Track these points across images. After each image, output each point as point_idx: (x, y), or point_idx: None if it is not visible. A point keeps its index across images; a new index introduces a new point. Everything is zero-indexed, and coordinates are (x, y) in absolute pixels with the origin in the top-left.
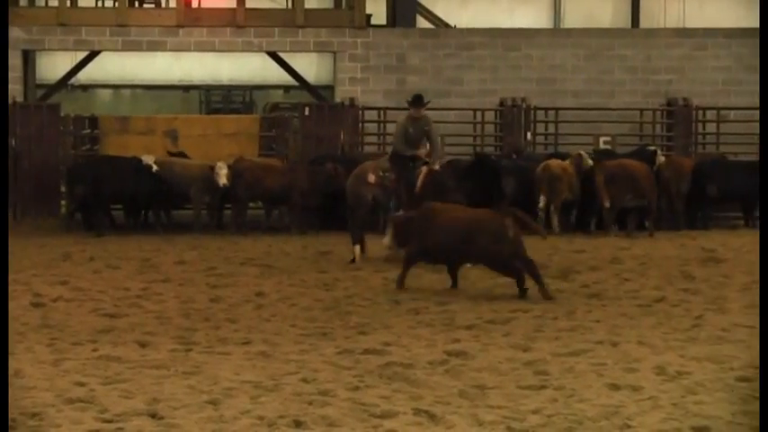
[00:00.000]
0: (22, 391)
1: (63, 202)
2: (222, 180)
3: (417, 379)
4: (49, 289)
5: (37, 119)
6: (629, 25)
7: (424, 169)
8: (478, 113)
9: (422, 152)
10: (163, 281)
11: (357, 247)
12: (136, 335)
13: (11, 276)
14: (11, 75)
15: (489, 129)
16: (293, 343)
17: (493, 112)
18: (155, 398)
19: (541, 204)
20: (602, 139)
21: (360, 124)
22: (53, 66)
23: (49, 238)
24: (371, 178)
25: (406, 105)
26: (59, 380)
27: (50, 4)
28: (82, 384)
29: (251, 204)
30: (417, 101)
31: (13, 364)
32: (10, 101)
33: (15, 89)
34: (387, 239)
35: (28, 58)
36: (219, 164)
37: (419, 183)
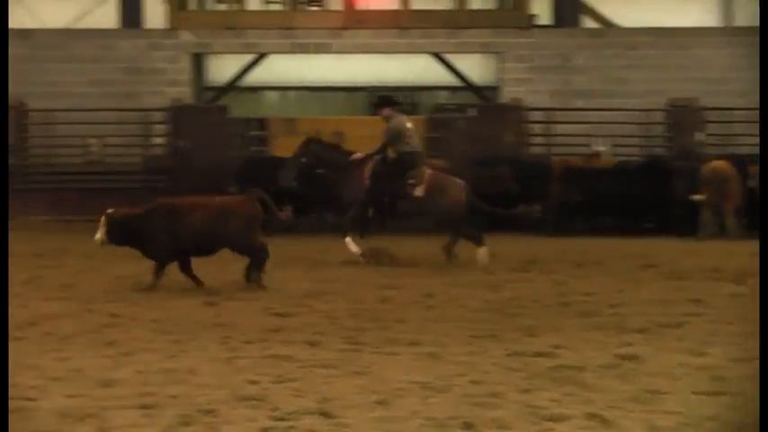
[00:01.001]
0: (197, 389)
1: None
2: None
3: (588, 382)
4: (222, 288)
5: (206, 120)
6: None
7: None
8: (646, 114)
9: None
10: (332, 281)
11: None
12: (305, 334)
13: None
14: (182, 77)
15: (657, 129)
16: (462, 344)
17: (661, 113)
18: (325, 397)
19: (702, 204)
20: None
21: (525, 125)
22: (222, 68)
23: None
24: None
25: (569, 106)
26: (232, 377)
27: (219, 8)
28: (254, 382)
29: None
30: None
31: (187, 362)
32: (180, 102)
33: (185, 91)
34: (98, 235)
35: (198, 61)
36: None
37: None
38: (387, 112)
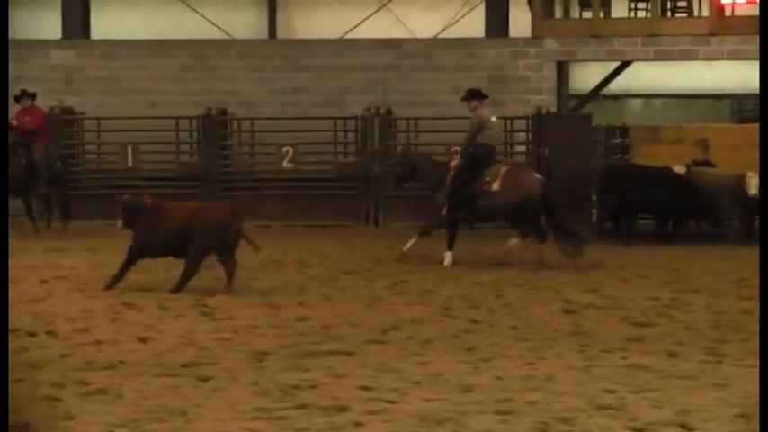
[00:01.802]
0: (554, 396)
1: (593, 211)
2: (752, 190)
3: None
4: (580, 296)
5: (570, 129)
6: None
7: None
8: None
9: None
10: (692, 291)
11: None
12: (665, 344)
13: (543, 283)
14: (545, 85)
15: None
16: None
17: None
18: (684, 409)
19: None
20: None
21: None
22: (585, 76)
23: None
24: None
25: None
26: (589, 386)
27: (584, 15)
28: (612, 392)
29: None
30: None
31: (544, 369)
32: (544, 111)
33: (549, 100)
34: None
35: (562, 69)
36: (750, 173)
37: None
38: (474, 104)
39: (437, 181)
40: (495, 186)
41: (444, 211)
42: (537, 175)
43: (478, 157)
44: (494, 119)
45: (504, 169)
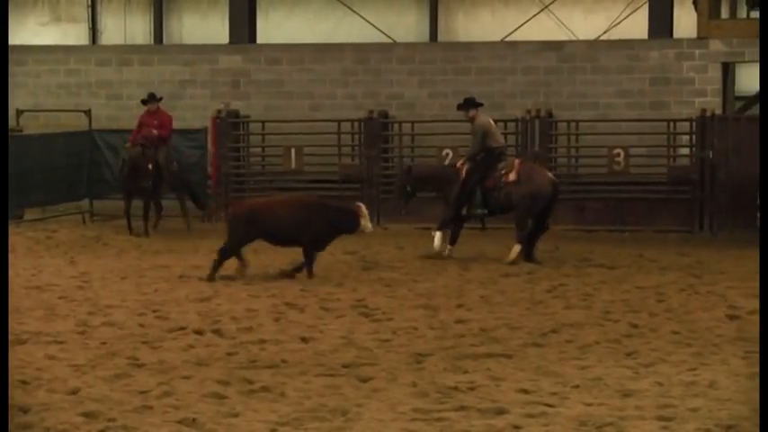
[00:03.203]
0: (717, 403)
1: (758, 214)
2: None
3: None
4: (745, 301)
5: (735, 131)
6: None
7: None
8: None
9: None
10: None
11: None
12: None
13: (707, 288)
14: (711, 87)
15: None
16: None
17: None
18: None
19: None
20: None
21: None
22: (752, 77)
23: (746, 249)
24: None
25: None
26: (754, 393)
27: (752, 15)
28: None
29: None
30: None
31: (707, 375)
32: (708, 113)
33: (714, 102)
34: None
35: (727, 71)
36: None
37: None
38: (473, 113)
39: (452, 184)
40: (512, 177)
41: (455, 208)
42: (550, 174)
43: (491, 160)
44: (493, 123)
45: (518, 162)
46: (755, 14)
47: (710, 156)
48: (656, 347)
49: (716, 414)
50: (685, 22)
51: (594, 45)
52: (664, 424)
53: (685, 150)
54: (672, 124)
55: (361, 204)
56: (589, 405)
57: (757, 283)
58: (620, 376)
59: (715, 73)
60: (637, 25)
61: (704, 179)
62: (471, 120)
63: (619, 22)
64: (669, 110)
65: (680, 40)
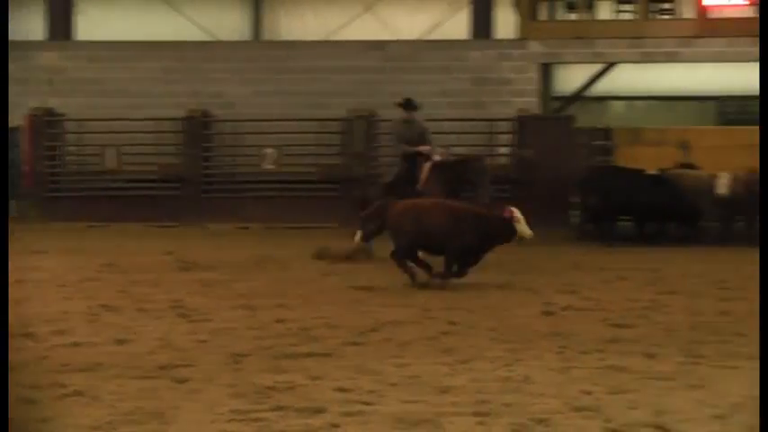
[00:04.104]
0: (531, 398)
1: (573, 213)
2: (720, 189)
3: None
4: (560, 298)
5: (552, 131)
6: None
7: (427, 165)
8: None
9: (424, 148)
10: (671, 293)
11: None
12: (643, 346)
13: (523, 285)
14: (529, 87)
15: None
16: None
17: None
18: (661, 410)
19: None
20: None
21: None
22: (569, 78)
23: (559, 246)
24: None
25: None
26: (567, 387)
27: (569, 17)
28: (588, 393)
29: None
30: (408, 104)
31: (522, 371)
32: (527, 112)
33: (533, 102)
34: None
35: (546, 71)
36: (721, 173)
37: (423, 177)
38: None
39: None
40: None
41: None
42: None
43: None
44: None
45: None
46: (573, 17)
47: (528, 155)
48: (473, 344)
49: (529, 408)
50: (506, 23)
51: (417, 45)
52: (480, 419)
53: (505, 150)
54: (492, 124)
55: (513, 209)
56: (406, 402)
57: (571, 280)
58: (438, 373)
59: (534, 74)
60: (459, 26)
61: (523, 178)
62: (410, 120)
63: (441, 23)
64: (490, 110)
65: (500, 41)
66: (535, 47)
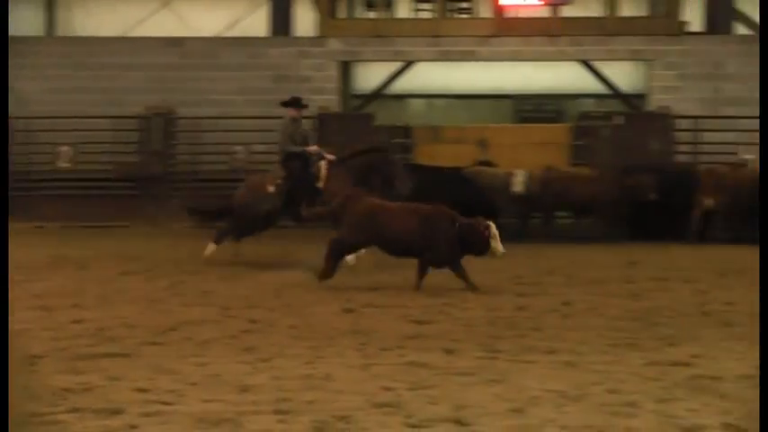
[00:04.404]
0: (333, 395)
1: None
2: (516, 187)
3: (726, 393)
4: (360, 295)
5: (352, 128)
6: None
7: (323, 164)
8: None
9: (313, 149)
10: (469, 289)
11: (213, 247)
12: (442, 342)
13: (325, 284)
14: (329, 85)
15: None
16: (599, 353)
17: None
18: (460, 404)
19: None
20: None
21: (672, 133)
22: (369, 76)
23: None
24: (270, 188)
25: (719, 114)
26: (368, 384)
27: (368, 16)
28: (390, 389)
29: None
30: (297, 103)
31: (323, 368)
32: (327, 110)
33: (333, 99)
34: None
35: (345, 69)
36: (517, 171)
37: (324, 176)
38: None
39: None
40: (320, 184)
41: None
42: (270, 187)
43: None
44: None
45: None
46: (372, 15)
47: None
48: (273, 342)
49: (331, 406)
50: (305, 21)
51: (216, 42)
52: (280, 417)
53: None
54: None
55: (490, 223)
56: (207, 402)
57: (373, 278)
58: (238, 372)
59: (333, 71)
60: (258, 23)
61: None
62: (298, 119)
63: (240, 20)
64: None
65: (299, 39)
66: (334, 45)
